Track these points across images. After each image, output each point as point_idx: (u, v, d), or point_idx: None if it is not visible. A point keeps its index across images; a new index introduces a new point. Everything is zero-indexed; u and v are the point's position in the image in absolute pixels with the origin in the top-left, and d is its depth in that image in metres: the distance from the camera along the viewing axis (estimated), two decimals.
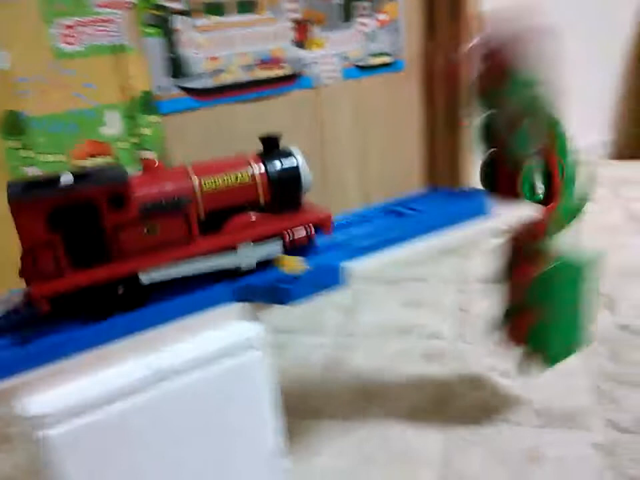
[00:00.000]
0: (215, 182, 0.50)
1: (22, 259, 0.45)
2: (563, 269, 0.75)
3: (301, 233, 0.54)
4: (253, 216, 0.52)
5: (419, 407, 0.88)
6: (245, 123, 1.20)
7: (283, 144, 0.55)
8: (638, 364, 0.91)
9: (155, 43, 1.06)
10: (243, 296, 0.51)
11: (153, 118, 1.07)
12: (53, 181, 0.45)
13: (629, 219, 1.48)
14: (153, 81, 1.07)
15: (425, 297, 1.22)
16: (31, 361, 0.44)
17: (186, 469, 0.49)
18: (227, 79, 1.13)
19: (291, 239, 0.53)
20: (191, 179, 0.50)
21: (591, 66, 1.87)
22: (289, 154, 0.53)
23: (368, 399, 0.90)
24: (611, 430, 0.79)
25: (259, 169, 0.52)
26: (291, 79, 1.22)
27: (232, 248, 0.51)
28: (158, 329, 0.48)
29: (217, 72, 1.12)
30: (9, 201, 0.43)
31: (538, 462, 0.74)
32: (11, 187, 0.44)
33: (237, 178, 0.51)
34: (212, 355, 0.48)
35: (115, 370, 0.46)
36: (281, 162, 0.53)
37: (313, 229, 0.54)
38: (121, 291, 0.48)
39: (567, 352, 0.78)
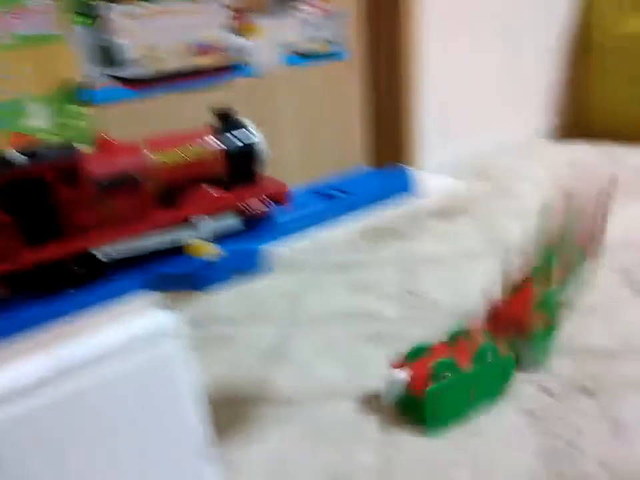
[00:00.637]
0: (170, 157, 0.49)
1: None
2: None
3: (258, 205, 0.53)
4: (209, 189, 0.51)
5: (360, 387, 0.89)
6: (185, 113, 1.18)
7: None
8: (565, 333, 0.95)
9: (85, 32, 1.03)
10: (156, 284, 0.49)
11: (84, 109, 1.04)
12: (2, 160, 0.44)
13: (566, 198, 1.52)
14: (83, 70, 1.04)
15: (370, 281, 1.23)
16: None
17: (105, 466, 0.47)
18: (162, 67, 1.11)
19: (248, 211, 0.53)
20: (145, 154, 0.49)
21: (533, 51, 1.92)
22: (243, 127, 0.53)
23: (312, 384, 0.91)
24: (542, 396, 0.82)
25: (214, 143, 0.51)
26: (230, 68, 1.21)
27: (190, 222, 0.50)
28: (65, 322, 0.47)
29: (151, 60, 1.10)
30: None
31: (474, 432, 0.77)
32: None
33: (192, 152, 0.50)
34: (124, 347, 0.47)
35: (18, 366, 0.44)
36: (236, 136, 0.52)
37: (270, 202, 0.53)
38: (76, 267, 0.47)
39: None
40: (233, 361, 0.99)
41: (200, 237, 0.49)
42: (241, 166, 0.52)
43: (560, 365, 0.86)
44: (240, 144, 0.51)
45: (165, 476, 0.52)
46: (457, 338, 0.85)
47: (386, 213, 0.61)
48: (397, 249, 1.37)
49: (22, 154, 0.44)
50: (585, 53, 2.06)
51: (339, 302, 1.15)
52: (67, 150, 0.45)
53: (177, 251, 0.51)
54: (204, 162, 0.50)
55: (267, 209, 0.52)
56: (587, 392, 0.81)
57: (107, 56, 1.05)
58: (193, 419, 0.52)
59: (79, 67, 1.03)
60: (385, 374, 0.81)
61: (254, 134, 0.52)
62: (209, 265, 0.48)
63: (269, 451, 0.78)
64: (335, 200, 0.58)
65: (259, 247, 0.48)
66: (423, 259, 1.30)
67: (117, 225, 0.47)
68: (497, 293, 0.91)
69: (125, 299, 0.49)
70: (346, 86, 1.45)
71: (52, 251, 0.45)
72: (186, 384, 0.51)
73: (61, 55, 1.00)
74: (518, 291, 0.86)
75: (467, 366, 0.78)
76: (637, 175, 1.61)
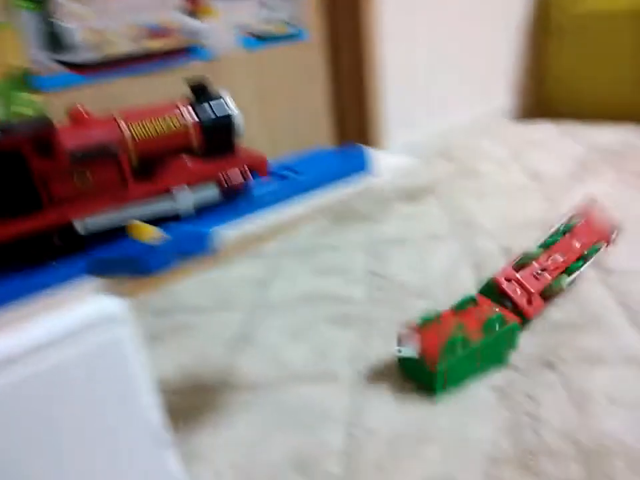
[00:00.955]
0: (145, 128, 0.49)
1: None
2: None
3: (237, 177, 0.53)
4: (187, 161, 0.51)
5: (328, 371, 0.88)
6: (139, 98, 1.15)
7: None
8: None
9: (31, 16, 0.99)
10: (98, 269, 0.47)
11: (33, 96, 1.00)
12: None
13: (528, 177, 1.54)
14: (30, 56, 1.00)
15: (337, 264, 1.22)
16: None
17: (53, 454, 0.46)
18: (112, 51, 1.08)
19: (227, 183, 0.52)
20: (120, 125, 0.48)
21: (494, 31, 1.93)
22: (218, 98, 0.53)
23: (278, 368, 0.90)
24: (509, 371, 0.83)
25: (189, 113, 0.51)
26: (185, 51, 1.18)
27: (168, 194, 0.50)
28: (2, 310, 0.45)
29: (101, 44, 1.06)
30: None
31: (441, 408, 0.77)
32: None
33: (168, 123, 0.50)
34: (68, 335, 0.44)
35: None
36: (211, 106, 0.52)
37: (248, 173, 0.53)
38: (56, 240, 0.47)
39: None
40: (199, 349, 0.98)
41: (180, 211, 0.49)
42: (217, 137, 0.51)
43: (525, 340, 0.87)
44: (216, 115, 0.51)
45: (119, 463, 0.50)
46: (466, 306, 0.87)
47: (347, 193, 0.60)
48: (362, 231, 1.36)
49: None
50: (545, 32, 2.08)
51: (305, 286, 1.14)
52: (41, 122, 0.44)
53: (116, 235, 0.49)
54: (180, 133, 0.50)
55: (245, 181, 0.52)
56: (551, 366, 0.82)
57: (55, 41, 1.01)
58: (146, 405, 0.50)
59: (26, 53, 0.98)
60: (395, 341, 0.82)
61: (230, 105, 0.51)
62: (150, 248, 0.45)
63: (236, 437, 0.77)
64: (287, 181, 0.56)
65: (205, 230, 0.46)
66: (389, 240, 1.29)
67: (95, 197, 0.46)
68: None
69: (71, 285, 0.47)
70: (306, 67, 1.43)
71: (30, 224, 0.44)
72: (136, 370, 0.49)
73: (7, 41, 0.96)
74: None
75: (476, 336, 0.80)
76: (597, 153, 1.64)
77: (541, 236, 0.95)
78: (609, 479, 0.63)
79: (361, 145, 0.64)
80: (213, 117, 0.52)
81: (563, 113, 2.06)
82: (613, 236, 0.95)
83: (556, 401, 0.75)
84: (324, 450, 0.73)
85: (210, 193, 0.52)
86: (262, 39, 1.30)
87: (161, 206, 0.50)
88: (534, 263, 0.89)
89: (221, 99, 0.53)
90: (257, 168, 0.54)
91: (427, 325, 0.84)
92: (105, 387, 0.47)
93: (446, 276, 1.12)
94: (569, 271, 0.91)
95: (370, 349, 0.91)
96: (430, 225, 1.34)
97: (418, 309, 0.86)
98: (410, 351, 0.79)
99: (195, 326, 1.05)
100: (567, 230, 0.93)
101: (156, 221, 0.49)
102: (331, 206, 0.58)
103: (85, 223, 0.48)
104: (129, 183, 0.49)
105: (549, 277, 0.89)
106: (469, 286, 1.04)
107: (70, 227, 0.47)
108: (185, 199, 0.51)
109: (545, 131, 1.90)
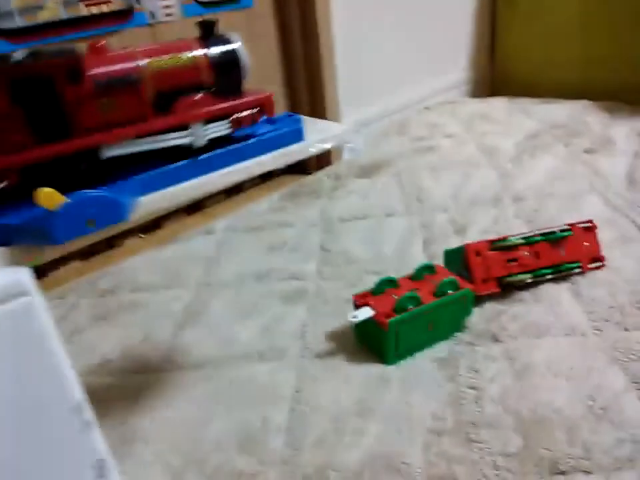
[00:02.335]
0: (162, 62, 0.51)
1: None
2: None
3: (245, 114, 0.56)
4: (201, 97, 0.54)
5: (276, 347, 0.87)
6: None
7: None
8: None
9: None
10: (2, 238, 0.45)
11: None
12: (5, 57, 0.45)
13: (481, 152, 1.55)
14: None
15: (289, 241, 1.21)
16: None
17: None
18: (44, 17, 1.02)
19: (238, 119, 0.56)
20: (139, 58, 0.50)
21: (448, 6, 1.92)
22: (227, 39, 0.55)
23: (225, 346, 0.88)
24: (453, 344, 0.83)
25: (201, 51, 0.54)
26: (123, 16, 1.12)
27: (183, 127, 0.53)
28: None
29: (31, 9, 1.00)
30: None
31: (385, 381, 0.77)
32: None
33: (181, 58, 0.53)
34: None
35: None
36: (221, 46, 0.55)
37: (256, 110, 0.57)
38: (84, 166, 0.49)
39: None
40: (145, 328, 0.95)
41: (195, 143, 0.51)
42: (227, 74, 0.55)
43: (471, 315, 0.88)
44: (225, 52, 0.54)
45: (36, 442, 0.48)
46: (423, 274, 0.87)
47: (278, 161, 0.58)
48: (316, 207, 1.35)
49: (26, 54, 0.46)
50: (500, 7, 2.08)
51: (256, 263, 1.12)
52: (70, 49, 0.47)
53: (24, 204, 0.46)
54: (193, 68, 0.52)
55: (254, 117, 0.54)
56: (496, 339, 0.83)
57: None
58: (66, 382, 0.48)
59: None
60: (347, 315, 0.80)
61: (237, 44, 0.52)
62: (55, 215, 0.43)
63: (178, 417, 0.75)
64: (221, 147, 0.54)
65: (115, 196, 0.44)
66: (342, 216, 1.28)
67: (117, 126, 0.49)
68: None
69: None
70: (252, 35, 1.38)
71: (58, 148, 0.46)
72: (52, 345, 0.46)
73: None
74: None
75: (429, 299, 0.80)
76: (549, 129, 1.65)
77: (532, 230, 0.93)
78: (547, 449, 0.64)
79: (315, 117, 0.63)
80: (223, 55, 0.55)
81: (516, 89, 2.07)
82: (593, 265, 0.94)
83: (499, 373, 0.76)
84: (267, 427, 0.72)
85: (222, 127, 0.55)
86: (206, 5, 1.25)
87: (177, 139, 0.53)
88: (509, 251, 0.88)
89: (229, 40, 0.55)
90: (264, 104, 0.57)
91: (382, 291, 0.84)
92: (18, 363, 0.44)
93: (398, 251, 1.12)
94: (535, 273, 0.90)
95: (320, 325, 0.90)
96: (384, 201, 1.33)
97: (370, 283, 0.86)
98: (365, 313, 0.79)
99: (141, 304, 1.03)
100: (557, 237, 0.91)
101: (171, 154, 0.52)
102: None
103: (110, 151, 0.50)
104: (148, 114, 0.51)
105: (515, 270, 0.89)
106: (420, 261, 1.04)
107: (95, 153, 0.49)
108: (199, 133, 0.53)
109: (498, 107, 1.91)
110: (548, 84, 2.01)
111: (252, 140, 0.56)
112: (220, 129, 0.55)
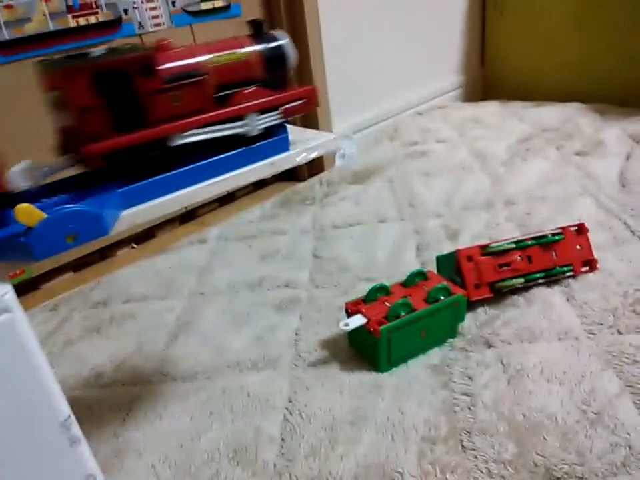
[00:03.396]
0: (221, 58, 0.56)
1: (74, 120, 0.49)
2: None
3: (293, 105, 0.61)
4: (255, 89, 0.58)
5: (269, 357, 0.87)
6: None
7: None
8: None
9: None
10: None
11: None
12: (84, 54, 0.50)
13: (474, 156, 1.55)
14: None
15: (281, 248, 1.20)
16: None
17: None
18: (32, 29, 1.01)
19: (286, 109, 0.61)
20: (201, 54, 0.55)
21: (440, 10, 1.92)
22: (275, 36, 0.60)
23: (217, 356, 0.88)
24: (446, 350, 0.83)
25: (254, 48, 0.59)
26: (110, 27, 1.12)
27: (240, 118, 0.58)
28: None
29: (19, 22, 1.00)
30: (57, 70, 0.48)
31: (378, 389, 0.76)
32: (48, 60, 0.49)
33: (238, 55, 0.58)
34: None
35: None
36: (270, 43, 0.60)
37: (302, 102, 0.62)
38: (154, 154, 0.53)
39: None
40: (137, 339, 0.95)
41: (250, 132, 0.58)
42: (276, 69, 0.60)
43: (465, 320, 0.87)
44: (275, 49, 0.60)
45: (22, 458, 0.48)
46: (415, 280, 0.87)
47: (264, 171, 0.58)
48: (308, 214, 1.35)
49: (104, 51, 0.52)
50: (489, 11, 2.08)
51: (249, 271, 1.12)
52: (141, 47, 0.53)
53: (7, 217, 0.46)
54: (248, 64, 0.58)
55: (301, 108, 0.62)
56: (489, 344, 0.82)
57: None
58: (51, 396, 0.48)
59: None
60: (341, 315, 0.80)
61: (285, 41, 0.60)
62: (33, 230, 0.42)
63: (171, 428, 0.75)
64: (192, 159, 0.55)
65: (95, 210, 0.44)
66: (335, 223, 1.28)
67: (184, 116, 0.54)
68: None
69: None
70: None
71: (134, 137, 0.51)
72: (31, 357, 0.46)
73: None
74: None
75: (421, 306, 0.80)
76: (541, 132, 1.66)
77: (524, 234, 0.93)
78: (540, 455, 0.64)
79: (307, 125, 0.64)
80: (272, 49, 0.59)
81: (508, 93, 2.08)
82: (585, 269, 0.94)
83: (492, 379, 0.76)
84: (260, 438, 0.71)
85: (274, 117, 0.60)
86: (194, 14, 1.25)
87: (235, 128, 0.57)
88: (501, 255, 0.88)
89: (276, 36, 0.60)
90: (309, 96, 0.62)
91: (374, 298, 0.84)
92: (2, 380, 0.44)
93: (391, 257, 1.12)
94: (528, 277, 0.90)
95: (313, 333, 0.90)
96: (376, 207, 1.33)
97: (363, 290, 0.85)
98: (357, 321, 0.79)
99: (134, 315, 1.02)
100: (548, 241, 0.91)
101: (228, 142, 0.57)
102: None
103: (177, 140, 0.54)
104: (210, 106, 0.56)
105: (507, 275, 0.88)
106: (412, 267, 1.04)
107: (164, 142, 0.53)
108: (254, 123, 0.58)
109: (490, 111, 1.91)
110: (539, 87, 2.02)
111: (237, 150, 0.55)
112: (272, 118, 0.60)
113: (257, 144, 0.57)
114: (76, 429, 0.52)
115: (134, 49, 0.52)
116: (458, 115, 1.90)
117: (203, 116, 0.55)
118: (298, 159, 0.59)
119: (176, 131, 0.53)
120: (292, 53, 0.61)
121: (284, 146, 0.58)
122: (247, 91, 0.58)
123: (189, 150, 0.55)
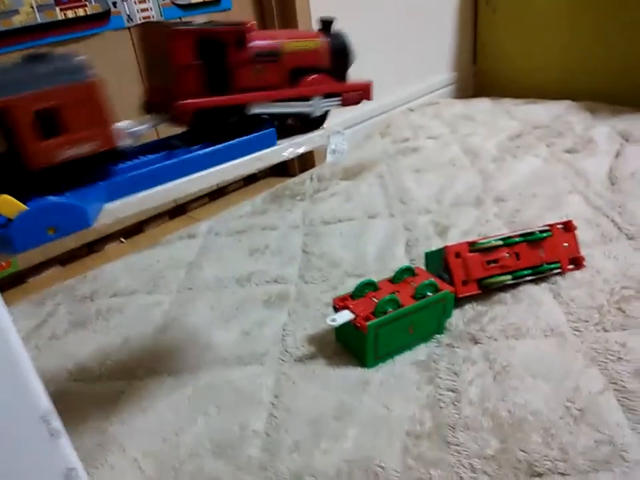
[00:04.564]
0: (297, 44, 0.63)
1: (174, 76, 0.54)
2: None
3: (351, 94, 0.70)
4: (321, 76, 0.66)
5: (256, 352, 0.86)
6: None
7: None
8: None
9: None
10: None
11: None
12: (187, 22, 0.55)
13: (465, 153, 1.55)
14: None
15: (271, 244, 1.20)
16: None
17: None
18: (20, 21, 1.00)
19: (346, 97, 0.69)
20: (281, 38, 0.62)
21: (432, 6, 1.92)
22: (340, 33, 0.69)
23: (205, 352, 0.88)
24: (433, 346, 0.83)
25: (324, 40, 0.67)
26: (99, 19, 1.11)
27: (306, 99, 0.65)
28: None
29: (6, 14, 0.99)
30: (165, 30, 0.53)
31: (364, 385, 0.76)
32: (153, 22, 0.57)
33: (311, 44, 0.65)
34: None
35: None
36: (337, 39, 0.68)
37: (359, 93, 0.70)
38: (234, 118, 0.59)
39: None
40: (123, 334, 0.94)
41: (314, 113, 0.66)
42: (340, 61, 0.68)
43: (452, 316, 0.88)
44: (341, 44, 0.68)
45: (3, 453, 0.47)
46: (403, 276, 0.87)
47: (249, 166, 0.58)
48: (298, 210, 1.34)
49: (204, 21, 0.57)
50: (481, 8, 2.08)
51: (238, 267, 1.11)
52: (236, 23, 0.58)
53: None
54: (318, 53, 0.66)
55: (358, 98, 0.71)
56: (476, 341, 0.82)
57: None
58: (32, 391, 0.47)
59: None
60: (329, 310, 0.80)
61: (349, 40, 0.69)
62: (14, 222, 0.42)
63: (155, 424, 0.74)
64: (178, 153, 0.54)
65: (76, 203, 0.43)
66: (325, 218, 1.28)
67: (263, 89, 0.61)
68: None
69: None
70: None
71: (222, 100, 0.56)
72: (17, 354, 0.45)
73: None
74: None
75: (408, 302, 0.80)
76: (531, 129, 1.66)
77: (512, 232, 0.93)
78: (524, 451, 0.64)
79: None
80: (338, 44, 0.68)
81: (500, 90, 2.08)
82: (572, 266, 0.94)
83: (478, 376, 0.76)
84: (245, 433, 0.71)
85: (335, 102, 0.68)
86: (185, 7, 1.24)
87: (302, 107, 0.65)
88: (489, 252, 0.88)
89: (342, 33, 0.69)
90: (365, 89, 0.71)
91: (362, 294, 0.84)
92: None
93: (380, 253, 1.12)
94: (515, 274, 0.90)
95: (300, 329, 0.90)
96: (367, 203, 1.33)
97: (351, 286, 0.85)
98: (344, 316, 0.79)
99: (120, 310, 1.02)
100: (536, 238, 0.91)
101: (290, 120, 0.65)
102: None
103: (253, 108, 0.60)
104: (284, 84, 0.63)
105: (495, 272, 0.88)
106: (402, 263, 1.04)
107: (242, 109, 0.59)
108: (318, 104, 0.66)
109: (481, 108, 1.91)
110: (531, 84, 2.02)
111: (222, 144, 0.55)
112: (333, 103, 0.67)
113: (244, 138, 0.57)
114: (57, 422, 0.51)
115: (232, 23, 0.58)
116: (449, 111, 1.90)
117: (279, 91, 0.62)
118: (285, 154, 0.59)
119: (255, 101, 0.59)
120: (353, 50, 0.69)
121: (271, 140, 0.58)
122: (315, 76, 0.65)
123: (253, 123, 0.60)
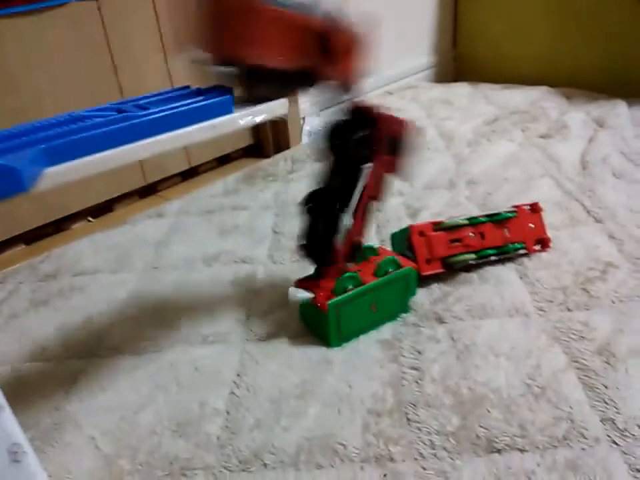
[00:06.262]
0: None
1: None
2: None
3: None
4: None
5: (221, 332, 0.85)
6: (14, 43, 1.05)
7: None
8: None
9: None
10: None
11: None
12: None
13: (440, 137, 1.55)
14: None
15: (241, 224, 1.18)
16: None
17: None
18: None
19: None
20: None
21: None
22: None
23: (169, 331, 0.86)
24: (397, 325, 0.82)
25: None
26: None
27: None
28: None
29: None
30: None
31: (327, 364, 0.76)
32: None
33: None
34: None
35: None
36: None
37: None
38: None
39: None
40: (85, 313, 0.92)
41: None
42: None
43: (417, 296, 0.87)
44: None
45: None
46: (365, 255, 0.85)
47: (199, 133, 0.56)
48: (271, 190, 1.33)
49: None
50: None
51: (206, 246, 1.10)
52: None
53: None
54: None
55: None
56: (440, 320, 0.82)
57: None
58: None
59: None
60: (289, 291, 0.78)
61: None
62: None
63: (114, 402, 0.73)
64: (128, 117, 0.50)
65: (11, 164, 0.41)
66: (296, 199, 1.26)
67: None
68: None
69: None
70: None
71: None
72: None
73: None
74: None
75: (370, 280, 0.79)
76: (507, 114, 1.66)
77: (476, 212, 0.92)
78: (483, 427, 0.64)
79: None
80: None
81: (479, 74, 2.08)
82: (538, 247, 0.94)
83: (441, 354, 0.76)
84: (205, 411, 0.70)
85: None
86: None
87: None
88: (454, 231, 0.87)
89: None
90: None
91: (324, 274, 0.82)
92: None
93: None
94: (480, 253, 0.89)
95: (266, 309, 0.89)
96: None
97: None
98: (304, 296, 0.77)
99: (82, 288, 0.99)
100: (501, 218, 0.90)
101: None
102: (181, 144, 0.53)
103: None
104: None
105: (459, 251, 0.88)
106: (372, 244, 1.03)
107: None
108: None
109: (459, 92, 1.91)
110: (510, 69, 2.02)
111: (173, 110, 0.53)
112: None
113: (199, 104, 0.55)
114: (0, 398, 0.50)
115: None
116: (428, 95, 1.89)
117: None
118: (242, 122, 0.57)
119: None
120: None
121: (227, 108, 0.56)
122: None
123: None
